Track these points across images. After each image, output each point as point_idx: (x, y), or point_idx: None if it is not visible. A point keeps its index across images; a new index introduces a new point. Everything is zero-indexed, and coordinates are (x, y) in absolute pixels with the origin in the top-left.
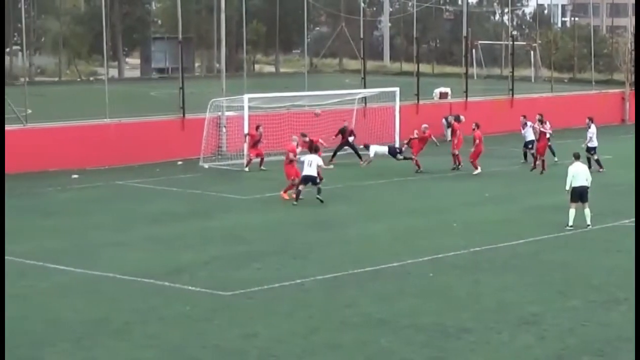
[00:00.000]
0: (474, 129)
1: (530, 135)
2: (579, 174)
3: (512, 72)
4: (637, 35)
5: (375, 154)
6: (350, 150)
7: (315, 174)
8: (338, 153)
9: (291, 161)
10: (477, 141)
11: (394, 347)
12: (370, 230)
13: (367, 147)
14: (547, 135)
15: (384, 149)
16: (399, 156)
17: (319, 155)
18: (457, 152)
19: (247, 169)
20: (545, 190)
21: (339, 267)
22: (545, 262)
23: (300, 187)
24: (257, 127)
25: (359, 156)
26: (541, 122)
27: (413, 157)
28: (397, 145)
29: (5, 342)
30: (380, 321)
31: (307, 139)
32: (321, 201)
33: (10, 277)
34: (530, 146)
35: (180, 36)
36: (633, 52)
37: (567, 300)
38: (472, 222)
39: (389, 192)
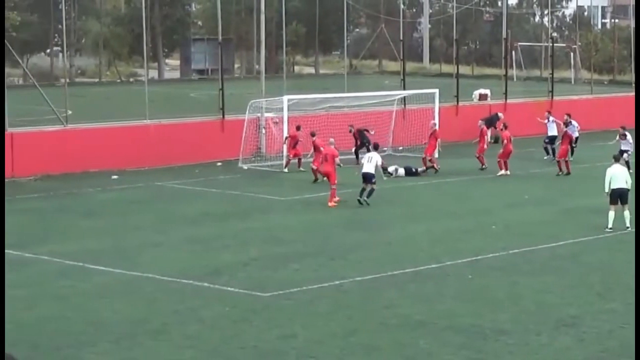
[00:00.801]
0: (502, 130)
1: (552, 131)
2: (617, 176)
3: (552, 73)
4: (637, 35)
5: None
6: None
7: (373, 171)
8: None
9: (338, 165)
10: (505, 141)
11: (432, 349)
12: (410, 231)
13: (385, 170)
14: (575, 135)
15: (402, 171)
16: (420, 171)
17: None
18: (480, 155)
19: (286, 170)
20: (583, 192)
21: (378, 268)
22: (584, 264)
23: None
24: (298, 128)
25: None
26: (566, 124)
27: (434, 166)
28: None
29: (47, 342)
30: (419, 323)
31: (315, 138)
32: (367, 204)
33: (52, 277)
34: (546, 140)
35: (220, 37)
36: None
37: (606, 302)
38: (511, 224)
39: (428, 194)
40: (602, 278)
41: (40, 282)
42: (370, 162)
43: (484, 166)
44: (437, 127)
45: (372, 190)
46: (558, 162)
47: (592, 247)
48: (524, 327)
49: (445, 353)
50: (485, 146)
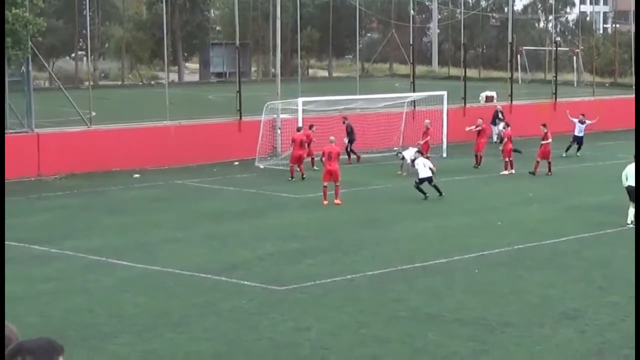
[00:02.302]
0: (504, 128)
1: (579, 132)
2: (630, 174)
3: (556, 76)
4: (637, 35)
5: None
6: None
7: (430, 174)
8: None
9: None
10: (506, 140)
11: (440, 341)
12: (419, 228)
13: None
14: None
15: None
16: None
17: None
18: (479, 154)
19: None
20: (586, 190)
21: (388, 263)
22: (586, 259)
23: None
24: (310, 127)
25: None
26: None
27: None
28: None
29: (73, 333)
30: (428, 315)
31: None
32: (441, 193)
33: (77, 272)
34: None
35: (237, 42)
36: None
37: (607, 296)
38: (517, 221)
39: (436, 192)
40: (604, 272)
41: (65, 277)
42: (425, 166)
43: (477, 165)
44: (429, 126)
45: (436, 187)
46: (538, 162)
47: (594, 243)
48: (528, 320)
49: (452, 345)
50: (484, 140)
